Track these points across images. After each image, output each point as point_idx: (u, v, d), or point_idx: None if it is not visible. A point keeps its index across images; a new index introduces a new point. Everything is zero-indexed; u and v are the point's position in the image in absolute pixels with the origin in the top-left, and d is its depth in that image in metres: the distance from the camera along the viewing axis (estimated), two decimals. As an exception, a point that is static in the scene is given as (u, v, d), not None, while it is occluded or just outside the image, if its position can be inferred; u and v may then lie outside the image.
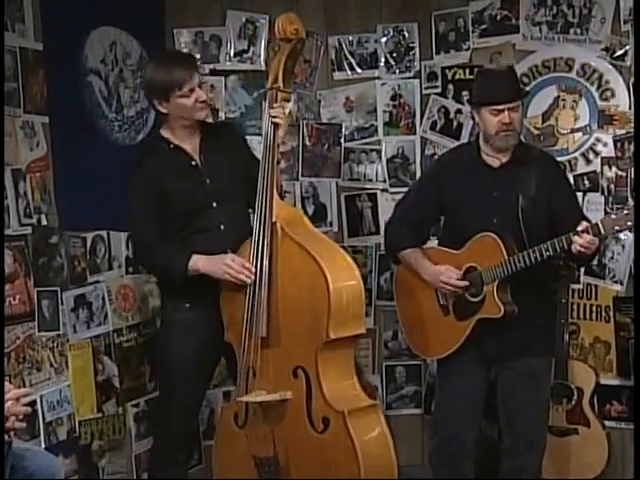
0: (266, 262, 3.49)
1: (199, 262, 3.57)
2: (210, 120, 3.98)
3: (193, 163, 3.68)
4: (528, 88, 4.35)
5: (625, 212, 3.34)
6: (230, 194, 3.67)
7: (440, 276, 3.67)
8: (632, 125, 4.15)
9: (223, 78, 4.59)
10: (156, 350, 3.94)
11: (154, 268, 3.85)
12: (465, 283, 3.64)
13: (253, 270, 3.50)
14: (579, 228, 3.37)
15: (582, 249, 3.37)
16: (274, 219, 3.51)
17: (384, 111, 4.70)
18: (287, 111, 3.67)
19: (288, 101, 3.67)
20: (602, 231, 3.35)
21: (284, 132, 3.67)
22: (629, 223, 3.32)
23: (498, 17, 4.46)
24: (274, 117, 3.56)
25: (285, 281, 3.47)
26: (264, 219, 3.51)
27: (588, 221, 3.47)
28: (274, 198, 3.53)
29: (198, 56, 4.53)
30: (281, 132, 3.61)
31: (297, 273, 3.45)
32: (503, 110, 3.59)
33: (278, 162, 3.66)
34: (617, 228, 3.36)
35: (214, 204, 3.67)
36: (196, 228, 3.65)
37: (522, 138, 4.01)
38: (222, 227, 3.67)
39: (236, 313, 3.56)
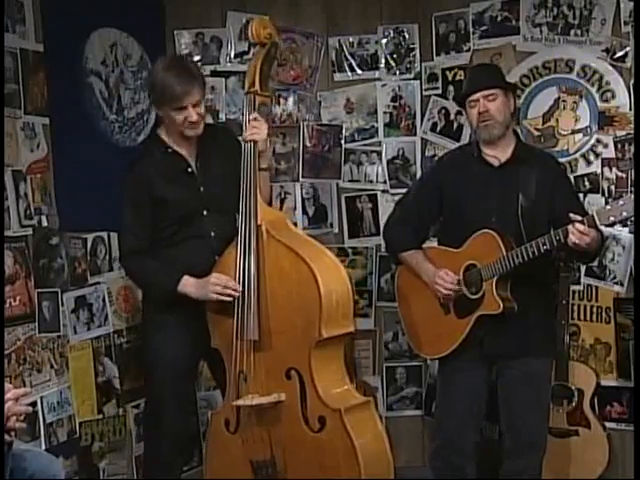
0: (253, 265, 3.48)
1: (187, 287, 3.55)
2: (210, 121, 3.96)
3: (189, 170, 3.65)
4: (528, 89, 4.37)
5: (620, 203, 3.32)
6: (222, 202, 3.64)
7: (436, 279, 3.69)
8: (632, 126, 4.15)
9: (224, 79, 4.60)
10: (143, 353, 3.86)
11: (140, 281, 3.78)
12: (458, 288, 3.65)
13: (237, 285, 3.49)
14: (573, 219, 3.37)
15: (577, 241, 3.36)
16: (259, 222, 3.51)
17: (384, 112, 4.70)
18: (264, 114, 3.65)
19: (266, 105, 3.68)
20: (597, 222, 3.34)
21: (265, 139, 3.62)
22: (624, 214, 3.30)
23: (498, 18, 4.46)
24: (251, 135, 3.55)
25: (274, 283, 3.47)
26: (249, 222, 3.50)
27: None
28: (258, 202, 3.52)
29: (198, 57, 4.55)
30: (261, 142, 3.57)
31: (286, 274, 3.45)
32: (478, 100, 3.64)
33: (265, 169, 3.65)
34: (612, 219, 3.33)
35: (205, 212, 3.65)
36: (187, 235, 3.63)
37: (522, 138, 4.01)
38: (212, 234, 3.65)
39: (223, 318, 3.56)
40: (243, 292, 3.49)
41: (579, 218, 3.37)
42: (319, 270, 3.39)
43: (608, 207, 3.37)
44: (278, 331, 3.47)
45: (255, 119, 3.58)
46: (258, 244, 3.49)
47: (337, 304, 3.43)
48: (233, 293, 3.49)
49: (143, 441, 4.04)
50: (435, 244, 3.92)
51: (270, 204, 3.78)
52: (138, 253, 3.62)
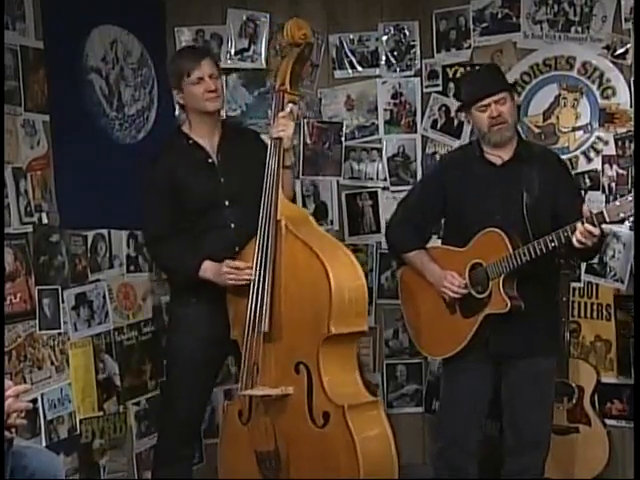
0: (270, 258, 3.53)
1: (208, 272, 3.64)
2: (223, 116, 4.05)
3: (210, 161, 3.73)
4: (529, 86, 4.37)
5: (629, 199, 3.30)
6: (243, 194, 3.69)
7: (443, 281, 3.68)
8: (633, 123, 4.15)
9: (224, 77, 4.57)
10: (165, 344, 4.00)
11: (164, 266, 3.93)
12: (465, 291, 3.64)
13: (249, 267, 3.55)
14: (585, 216, 3.35)
15: (583, 238, 3.35)
16: (279, 217, 3.55)
17: (385, 109, 4.69)
18: (294, 113, 3.71)
19: (295, 103, 3.72)
20: (607, 219, 3.32)
21: (291, 136, 3.66)
22: (633, 210, 3.30)
23: (499, 15, 4.45)
24: (277, 132, 3.60)
25: (288, 277, 3.51)
26: (269, 217, 3.56)
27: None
28: (279, 197, 3.57)
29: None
30: (286, 139, 3.61)
31: (300, 269, 3.50)
32: (489, 104, 3.62)
33: (289, 166, 3.69)
34: (622, 215, 3.32)
35: (226, 202, 3.72)
36: (207, 225, 3.70)
37: (523, 136, 4.01)
38: (232, 225, 3.71)
39: (241, 310, 3.60)
40: (258, 285, 3.53)
41: (589, 213, 3.34)
42: (332, 266, 3.42)
43: (617, 203, 3.35)
44: (289, 325, 3.51)
45: (283, 117, 3.63)
46: (276, 238, 3.54)
47: (350, 301, 3.45)
48: (248, 277, 3.55)
49: (151, 435, 4.08)
50: (439, 243, 3.92)
51: (294, 201, 3.85)
52: (162, 239, 3.70)
